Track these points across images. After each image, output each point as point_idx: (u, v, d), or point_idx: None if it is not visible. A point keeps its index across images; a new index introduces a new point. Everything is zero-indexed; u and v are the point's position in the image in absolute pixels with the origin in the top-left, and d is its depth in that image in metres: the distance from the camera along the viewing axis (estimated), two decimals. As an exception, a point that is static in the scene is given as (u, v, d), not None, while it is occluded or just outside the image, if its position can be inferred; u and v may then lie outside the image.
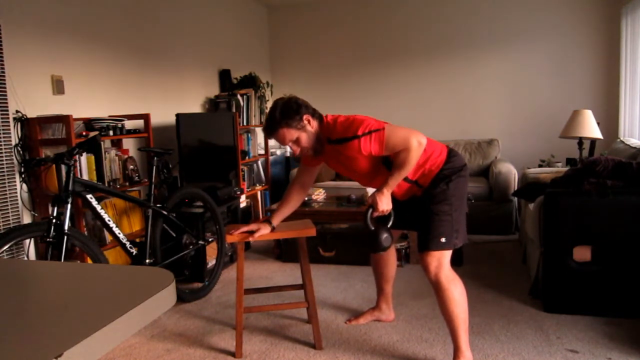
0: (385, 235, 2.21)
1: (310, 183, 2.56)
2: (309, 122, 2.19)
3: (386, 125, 2.13)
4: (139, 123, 3.61)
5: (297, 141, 2.21)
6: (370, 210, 2.19)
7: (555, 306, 2.77)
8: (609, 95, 4.96)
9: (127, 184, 3.38)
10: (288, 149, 5.82)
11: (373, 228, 2.21)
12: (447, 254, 2.18)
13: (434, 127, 5.50)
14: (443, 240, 2.15)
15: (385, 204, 2.16)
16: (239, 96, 4.76)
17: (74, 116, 2.93)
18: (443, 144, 2.34)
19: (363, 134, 2.11)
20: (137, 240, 3.25)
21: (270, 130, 2.21)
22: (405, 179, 2.24)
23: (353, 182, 4.68)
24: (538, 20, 5.13)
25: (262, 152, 5.32)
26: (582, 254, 2.72)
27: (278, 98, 2.25)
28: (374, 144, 2.11)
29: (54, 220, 2.36)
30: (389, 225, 2.24)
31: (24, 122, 2.84)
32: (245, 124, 4.84)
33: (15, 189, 2.79)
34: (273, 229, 2.44)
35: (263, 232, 2.40)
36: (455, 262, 3.52)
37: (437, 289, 2.18)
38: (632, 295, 2.64)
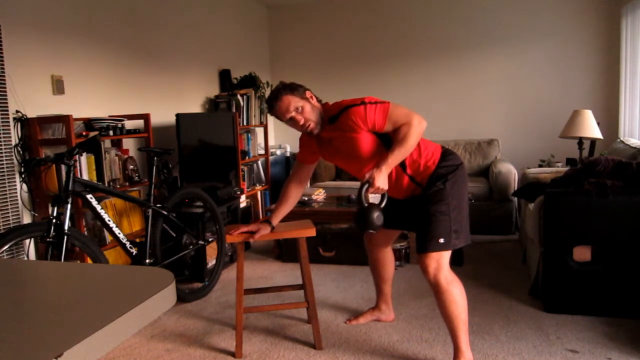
0: (377, 214, 2.12)
1: (307, 180, 2.56)
2: (311, 97, 2.24)
3: (392, 103, 2.15)
4: (139, 123, 3.61)
5: (301, 110, 2.20)
6: (366, 186, 2.10)
7: (555, 306, 2.77)
8: (609, 95, 4.96)
9: (127, 184, 3.38)
10: (288, 148, 5.82)
11: (366, 204, 2.13)
12: (446, 255, 2.16)
13: (434, 127, 5.46)
14: (441, 241, 2.13)
15: (382, 182, 2.08)
16: (239, 96, 4.76)
17: (74, 116, 2.93)
18: (437, 144, 2.33)
19: (370, 102, 2.13)
20: (137, 240, 3.24)
21: (275, 98, 2.21)
22: (404, 169, 2.21)
23: (353, 182, 4.69)
24: (538, 20, 5.13)
25: (262, 152, 5.32)
26: (582, 254, 2.72)
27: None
28: (379, 115, 2.11)
29: (54, 220, 2.36)
30: (382, 206, 2.16)
31: (24, 122, 2.84)
32: (245, 124, 4.84)
33: (15, 189, 2.79)
34: (273, 229, 2.44)
35: (263, 233, 2.40)
36: (456, 262, 3.52)
37: (436, 290, 2.17)
38: (632, 295, 2.64)
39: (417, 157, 2.21)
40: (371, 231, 2.20)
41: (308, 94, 2.24)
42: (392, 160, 2.10)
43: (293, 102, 2.18)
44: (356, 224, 2.21)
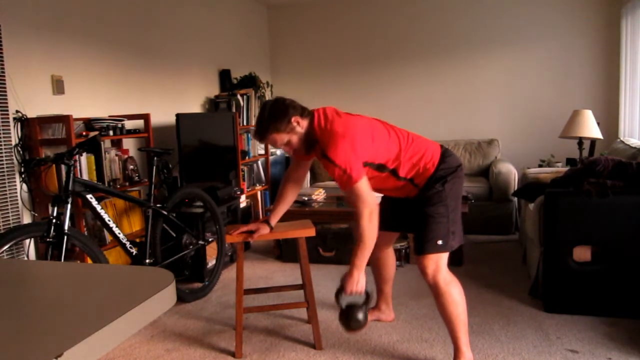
0: (357, 316, 2.15)
1: (304, 177, 2.55)
2: (298, 123, 2.14)
3: (361, 181, 2.06)
4: (139, 123, 3.61)
5: (288, 143, 2.19)
6: (342, 293, 2.19)
7: (555, 306, 2.77)
8: (609, 95, 4.95)
9: (127, 184, 3.38)
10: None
11: (343, 307, 2.19)
12: (444, 256, 2.17)
13: (434, 127, 5.50)
14: (440, 242, 2.14)
15: (354, 286, 2.13)
16: (239, 96, 4.76)
17: (74, 116, 2.93)
18: (437, 143, 2.31)
19: (341, 167, 2.05)
20: (137, 240, 3.25)
21: (261, 137, 2.20)
22: (398, 178, 2.22)
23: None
24: (538, 20, 5.13)
25: (262, 152, 5.32)
26: (582, 254, 2.72)
27: (266, 100, 2.23)
28: (345, 182, 2.07)
29: (54, 220, 2.36)
30: (364, 305, 2.20)
31: (24, 122, 2.84)
32: (245, 124, 4.84)
33: (15, 189, 2.79)
34: (272, 229, 2.44)
35: (262, 232, 2.40)
36: (455, 262, 3.52)
37: (435, 292, 2.18)
38: (632, 295, 2.64)
39: (417, 161, 2.20)
40: (356, 330, 2.22)
41: (294, 120, 2.13)
42: (359, 261, 2.12)
43: (279, 139, 2.16)
44: (340, 324, 2.24)
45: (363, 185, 2.07)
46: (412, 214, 2.25)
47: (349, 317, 2.16)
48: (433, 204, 2.16)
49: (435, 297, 2.19)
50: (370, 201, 2.08)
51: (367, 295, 2.23)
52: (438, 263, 2.15)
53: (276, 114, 2.13)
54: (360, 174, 2.06)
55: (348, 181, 2.06)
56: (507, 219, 4.49)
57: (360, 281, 2.14)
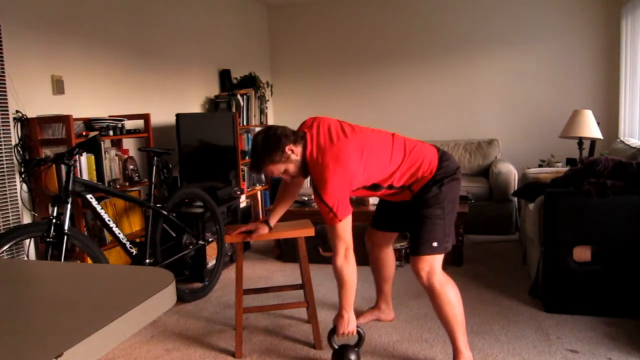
0: (349, 357, 2.21)
1: (304, 180, 2.56)
2: (292, 151, 2.13)
3: (345, 220, 2.09)
4: (139, 123, 3.61)
5: (285, 172, 2.19)
6: (334, 334, 2.24)
7: (555, 306, 2.77)
8: (609, 95, 4.96)
9: (127, 184, 3.38)
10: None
11: (336, 347, 2.25)
12: (439, 258, 2.17)
13: (434, 127, 5.50)
14: (435, 244, 2.14)
15: (346, 327, 2.20)
16: (239, 96, 4.76)
17: (74, 116, 2.93)
18: (433, 147, 2.29)
19: (328, 205, 2.06)
20: (137, 240, 3.25)
21: (258, 169, 2.21)
22: (395, 188, 2.23)
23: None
24: (538, 20, 5.13)
25: (262, 152, 5.31)
26: (582, 254, 2.72)
27: (257, 132, 2.21)
28: (326, 217, 2.10)
29: (54, 220, 2.36)
30: (355, 346, 2.27)
31: (24, 122, 2.84)
32: (245, 124, 4.84)
33: (15, 189, 2.79)
34: (270, 229, 2.45)
35: (261, 232, 2.41)
36: (455, 262, 3.53)
37: (431, 293, 2.18)
38: (632, 295, 2.64)
39: (415, 171, 2.20)
40: None
41: (288, 149, 2.11)
42: (346, 303, 2.21)
43: (276, 170, 2.17)
44: None
45: (345, 224, 2.12)
46: (409, 215, 2.25)
47: (341, 358, 2.22)
48: (430, 206, 2.17)
49: (431, 298, 2.20)
50: (347, 239, 2.13)
51: (360, 335, 2.29)
52: (432, 265, 2.15)
53: (269, 145, 2.12)
54: (346, 213, 2.09)
55: (333, 219, 2.09)
56: (507, 219, 4.49)
57: (351, 322, 2.22)
